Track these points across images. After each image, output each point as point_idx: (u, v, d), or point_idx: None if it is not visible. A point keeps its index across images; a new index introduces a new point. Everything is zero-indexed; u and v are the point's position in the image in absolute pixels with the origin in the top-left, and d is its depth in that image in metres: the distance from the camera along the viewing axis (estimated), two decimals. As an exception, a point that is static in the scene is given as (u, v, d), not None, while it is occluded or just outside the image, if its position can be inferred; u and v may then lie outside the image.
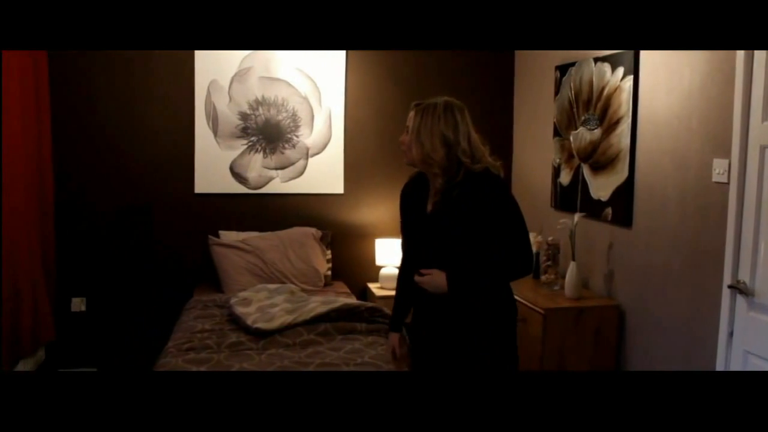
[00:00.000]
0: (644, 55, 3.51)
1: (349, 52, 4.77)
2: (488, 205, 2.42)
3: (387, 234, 4.90)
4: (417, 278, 2.47)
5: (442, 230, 2.47)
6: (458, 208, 2.42)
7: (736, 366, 2.90)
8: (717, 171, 2.98)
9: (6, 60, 3.54)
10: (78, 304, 4.52)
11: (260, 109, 4.68)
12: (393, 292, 4.64)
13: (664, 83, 3.35)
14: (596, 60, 3.89)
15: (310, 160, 4.79)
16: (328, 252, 4.74)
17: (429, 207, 2.55)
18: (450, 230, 2.45)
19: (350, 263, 4.95)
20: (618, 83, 3.67)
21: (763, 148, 2.75)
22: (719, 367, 2.97)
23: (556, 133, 4.37)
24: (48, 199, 4.20)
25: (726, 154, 2.93)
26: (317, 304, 3.78)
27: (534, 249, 4.18)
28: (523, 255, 2.44)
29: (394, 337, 2.81)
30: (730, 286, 2.90)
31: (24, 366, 3.82)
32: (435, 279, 2.42)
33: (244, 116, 4.66)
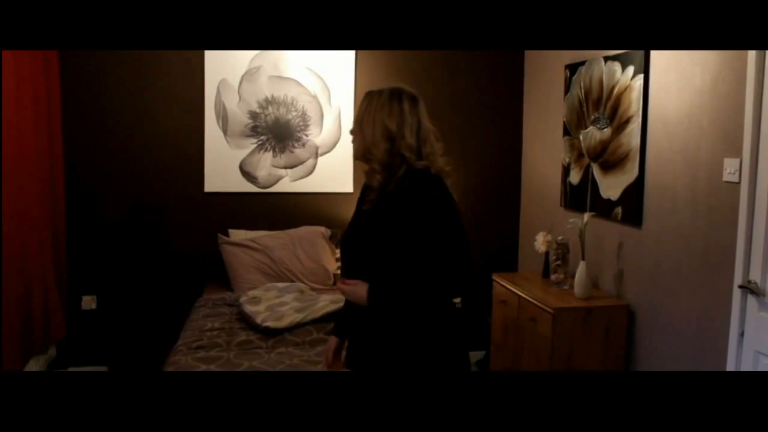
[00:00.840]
0: (655, 54, 3.50)
1: (359, 51, 4.77)
2: (416, 210, 2.10)
3: (396, 233, 4.89)
4: (339, 286, 2.22)
5: (371, 234, 2.19)
6: (388, 210, 2.15)
7: (746, 366, 2.89)
8: (728, 170, 2.96)
9: (18, 60, 3.56)
10: (89, 302, 4.54)
11: (270, 108, 4.69)
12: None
13: (675, 82, 3.34)
14: (606, 59, 3.88)
15: (320, 159, 4.79)
16: (338, 251, 4.74)
17: (364, 207, 2.27)
18: (376, 235, 2.16)
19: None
20: (628, 82, 3.66)
21: (774, 148, 2.74)
22: (730, 367, 2.96)
23: (566, 132, 4.36)
24: (59, 198, 4.23)
25: (737, 153, 2.91)
26: (326, 303, 3.79)
27: (543, 248, 4.19)
28: (452, 272, 2.11)
29: (332, 341, 2.53)
30: (740, 286, 2.88)
31: (35, 363, 3.84)
32: (356, 290, 2.15)
33: (253, 115, 4.67)
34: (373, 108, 2.21)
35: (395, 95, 2.21)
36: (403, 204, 2.11)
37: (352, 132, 2.30)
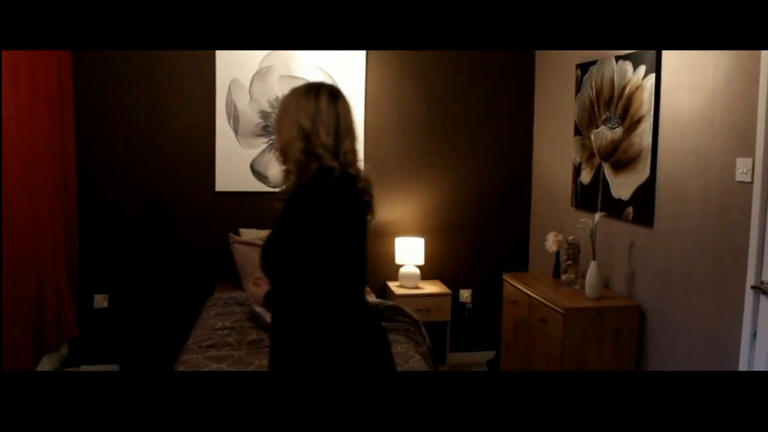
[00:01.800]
0: (666, 53, 3.48)
1: (370, 51, 4.78)
2: (304, 212, 2.01)
3: (407, 233, 4.90)
4: (247, 284, 2.19)
5: (271, 236, 2.14)
6: (286, 212, 2.08)
7: (759, 368, 2.87)
8: (740, 170, 2.95)
9: (32, 60, 3.59)
10: (100, 301, 4.57)
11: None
12: (413, 291, 4.68)
13: (687, 82, 3.32)
14: (618, 58, 3.86)
15: (330, 158, 4.79)
16: (348, 250, 4.74)
17: (276, 206, 2.17)
18: (274, 237, 2.12)
19: (370, 261, 4.91)
20: (640, 82, 3.64)
21: (787, 148, 2.72)
22: (742, 369, 2.94)
23: (577, 131, 4.35)
24: (71, 197, 4.25)
25: (749, 153, 2.90)
26: (337, 303, 3.79)
27: (554, 248, 4.18)
28: (313, 285, 1.98)
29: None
30: (753, 287, 2.87)
31: (48, 361, 3.87)
32: (257, 291, 2.11)
33: (264, 115, 4.68)
34: (290, 106, 2.12)
35: (311, 91, 2.11)
36: (297, 205, 2.03)
37: (275, 131, 2.21)
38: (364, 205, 2.10)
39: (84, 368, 4.53)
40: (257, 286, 2.13)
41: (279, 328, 2.13)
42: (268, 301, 2.09)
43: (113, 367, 4.57)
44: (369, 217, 2.13)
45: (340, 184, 2.04)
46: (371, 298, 4.15)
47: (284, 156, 2.10)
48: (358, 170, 2.11)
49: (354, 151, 2.12)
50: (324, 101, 2.09)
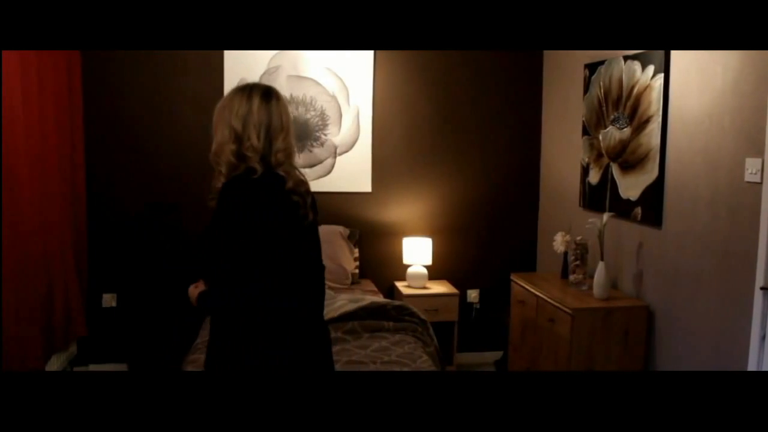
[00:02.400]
0: (675, 53, 3.47)
1: (378, 51, 4.78)
2: (219, 213, 2.03)
3: (415, 233, 4.90)
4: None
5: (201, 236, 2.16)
6: (214, 213, 2.07)
7: (768, 369, 2.86)
8: (750, 170, 2.94)
9: (42, 60, 3.60)
10: (109, 300, 4.58)
11: (288, 107, 4.70)
12: (421, 291, 4.68)
13: (696, 81, 3.31)
14: (626, 58, 3.85)
15: (338, 158, 4.80)
16: (356, 250, 4.75)
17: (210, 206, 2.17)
18: (202, 239, 2.16)
19: (378, 262, 4.96)
20: (648, 82, 3.63)
21: (797, 148, 2.71)
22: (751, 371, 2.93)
23: (585, 131, 4.34)
24: (80, 198, 4.27)
25: (759, 153, 2.88)
26: (345, 302, 3.79)
27: (562, 249, 4.17)
28: (226, 286, 2.02)
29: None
30: (762, 288, 2.85)
31: (57, 360, 3.89)
32: (192, 291, 2.14)
33: (272, 115, 4.69)
34: (224, 109, 2.12)
35: (244, 92, 2.10)
36: (217, 206, 2.04)
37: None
38: (289, 206, 2.08)
39: (92, 367, 4.54)
40: (193, 286, 2.15)
41: (211, 327, 2.15)
42: (199, 302, 2.10)
43: (121, 366, 4.59)
44: (307, 217, 2.12)
45: (255, 184, 2.03)
46: (377, 297, 4.14)
47: (217, 158, 2.11)
48: (290, 169, 2.11)
49: (286, 150, 2.10)
50: (256, 102, 2.08)
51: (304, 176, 2.17)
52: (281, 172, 2.08)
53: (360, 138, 4.81)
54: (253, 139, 2.04)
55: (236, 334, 2.04)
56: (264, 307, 2.03)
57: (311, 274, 2.17)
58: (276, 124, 2.09)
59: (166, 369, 4.33)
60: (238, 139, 2.05)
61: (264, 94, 2.10)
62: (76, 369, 4.39)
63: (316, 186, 4.71)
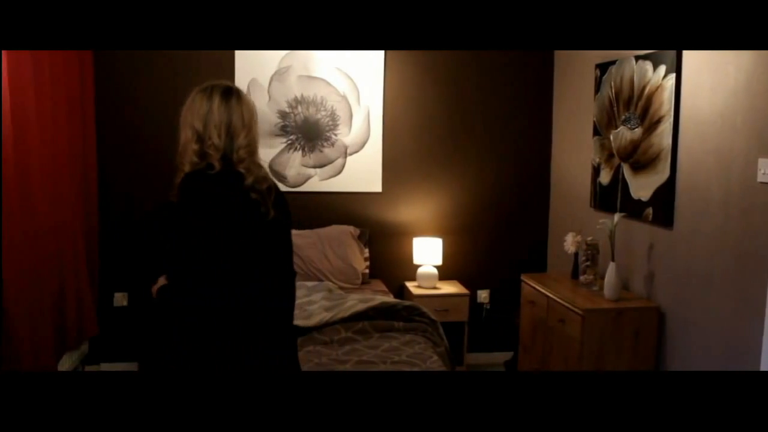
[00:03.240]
0: (687, 53, 3.45)
1: (388, 51, 4.78)
2: (170, 209, 2.12)
3: (425, 233, 4.90)
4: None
5: None
6: None
7: (780, 370, 2.85)
8: (762, 171, 2.92)
9: (54, 60, 3.63)
10: (120, 299, 4.61)
11: (299, 107, 4.71)
12: (431, 291, 4.68)
13: (708, 81, 3.30)
14: (637, 58, 3.84)
15: (349, 158, 4.81)
16: (366, 250, 4.75)
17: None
18: None
19: (388, 261, 4.96)
20: (660, 81, 3.62)
21: (810, 148, 2.69)
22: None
23: (596, 132, 4.32)
24: (92, 197, 4.29)
25: (771, 154, 2.87)
26: (355, 302, 3.80)
27: (573, 249, 4.16)
28: (171, 281, 2.12)
29: None
30: (774, 289, 2.84)
31: (69, 359, 3.91)
32: (155, 286, 2.26)
33: (283, 115, 4.71)
34: (186, 109, 2.15)
35: (205, 92, 2.14)
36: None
37: None
38: (247, 203, 2.08)
39: (104, 366, 4.57)
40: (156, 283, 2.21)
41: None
42: (158, 296, 2.17)
43: (132, 366, 4.61)
44: (267, 215, 2.10)
45: (209, 179, 2.08)
46: (387, 297, 4.14)
47: (181, 158, 2.14)
48: (252, 166, 2.11)
49: (248, 147, 2.11)
50: (216, 102, 2.10)
51: (267, 174, 2.16)
52: (241, 169, 2.09)
53: (370, 138, 4.81)
54: (214, 137, 2.07)
55: (186, 331, 2.07)
56: (215, 305, 2.05)
57: (275, 272, 2.14)
58: (237, 122, 2.10)
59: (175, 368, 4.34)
60: (200, 138, 2.09)
61: (224, 92, 2.13)
62: (87, 368, 4.42)
63: (326, 186, 4.78)
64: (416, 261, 4.81)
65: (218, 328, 2.05)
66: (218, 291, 2.05)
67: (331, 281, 4.42)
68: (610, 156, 4.13)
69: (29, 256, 3.26)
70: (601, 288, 3.80)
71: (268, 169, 2.20)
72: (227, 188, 2.09)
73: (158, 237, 2.12)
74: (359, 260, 4.64)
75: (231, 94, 2.13)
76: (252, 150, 2.13)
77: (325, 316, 3.65)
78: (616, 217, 3.82)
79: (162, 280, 2.20)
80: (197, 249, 2.04)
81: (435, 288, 4.72)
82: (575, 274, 4.19)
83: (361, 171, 4.83)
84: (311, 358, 3.28)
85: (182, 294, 2.08)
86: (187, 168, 2.11)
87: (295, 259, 4.40)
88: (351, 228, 4.72)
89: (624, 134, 3.97)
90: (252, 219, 2.08)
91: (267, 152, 4.70)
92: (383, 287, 4.63)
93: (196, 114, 2.11)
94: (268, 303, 2.11)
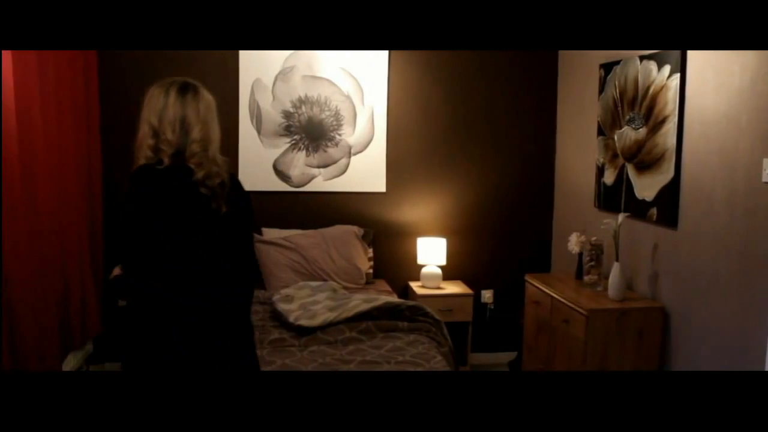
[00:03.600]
0: (692, 52, 3.45)
1: (392, 51, 4.78)
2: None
3: (429, 233, 4.90)
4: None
5: None
6: None
7: (785, 371, 2.84)
8: (767, 171, 2.91)
9: (59, 60, 3.64)
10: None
11: (303, 107, 4.72)
12: (435, 291, 4.68)
13: (713, 81, 3.29)
14: (642, 58, 3.84)
15: (353, 158, 4.81)
16: (370, 250, 4.76)
17: None
18: None
19: (392, 262, 4.97)
20: (664, 81, 3.61)
21: (815, 148, 2.69)
22: None
23: (600, 132, 4.32)
24: (97, 197, 4.30)
25: (776, 154, 2.87)
26: (359, 302, 3.80)
27: (577, 249, 4.16)
28: (125, 271, 2.21)
29: None
30: (779, 289, 2.84)
31: (73, 358, 3.91)
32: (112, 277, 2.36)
33: (287, 115, 4.71)
34: (145, 104, 2.20)
35: (162, 88, 2.19)
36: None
37: None
38: (196, 197, 2.13)
39: (108, 365, 4.57)
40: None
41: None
42: (113, 285, 2.32)
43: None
44: (219, 209, 2.15)
45: (156, 174, 2.13)
46: (391, 297, 4.14)
47: (137, 153, 2.18)
48: (204, 161, 2.15)
49: (202, 142, 2.15)
50: (172, 97, 2.16)
51: (222, 169, 2.20)
52: (192, 164, 2.13)
53: (374, 138, 4.81)
54: (168, 133, 2.13)
55: (141, 323, 2.15)
56: (164, 297, 2.11)
57: (228, 267, 2.18)
58: (191, 117, 2.16)
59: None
60: (156, 134, 2.14)
61: (180, 88, 2.18)
62: (92, 367, 4.42)
63: (330, 186, 4.79)
64: (420, 261, 4.81)
65: (169, 320, 2.12)
66: (167, 285, 2.11)
67: (335, 281, 4.43)
68: (615, 156, 4.13)
69: (34, 256, 3.27)
70: (606, 288, 3.80)
71: (224, 164, 2.24)
72: (176, 183, 2.13)
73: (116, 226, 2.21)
74: (363, 260, 4.64)
75: (187, 90, 2.19)
76: (206, 145, 2.16)
77: (329, 316, 3.65)
78: (621, 217, 3.81)
79: (117, 270, 2.24)
80: (146, 242, 2.10)
81: (439, 288, 4.72)
82: (579, 275, 4.18)
83: (365, 171, 4.84)
84: (315, 358, 3.28)
85: (133, 285, 2.14)
86: (142, 162, 2.16)
87: (299, 259, 4.45)
88: (355, 228, 4.72)
89: (628, 134, 3.96)
90: (200, 214, 2.13)
91: (271, 152, 4.70)
92: (387, 287, 4.63)
93: (153, 109, 2.16)
94: (220, 297, 2.16)
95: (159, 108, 2.15)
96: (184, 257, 2.11)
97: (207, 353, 2.14)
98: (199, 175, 2.12)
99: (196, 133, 2.15)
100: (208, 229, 2.13)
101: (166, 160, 2.13)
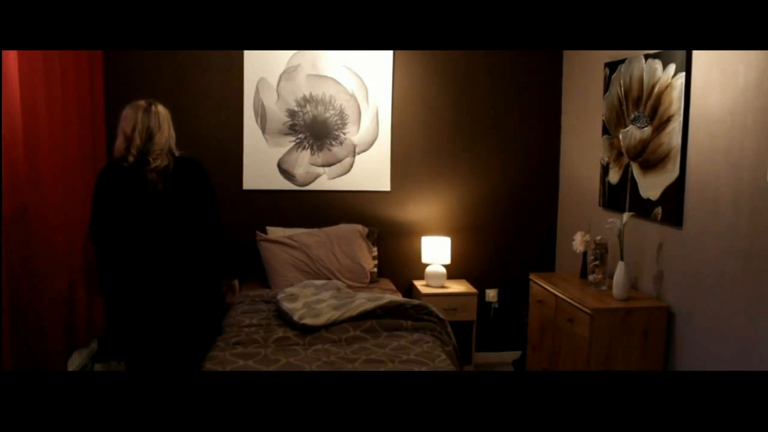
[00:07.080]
0: (697, 51, 3.44)
1: (397, 50, 4.78)
2: None
3: (433, 232, 4.90)
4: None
5: None
6: None
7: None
8: (772, 170, 2.91)
9: (64, 60, 3.64)
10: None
11: (308, 106, 4.72)
12: (439, 290, 4.68)
13: (718, 80, 3.28)
14: (647, 57, 3.83)
15: (357, 157, 4.81)
16: (375, 249, 4.76)
17: None
18: None
19: (396, 260, 4.97)
20: (669, 80, 3.60)
21: (821, 148, 2.68)
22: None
23: (605, 131, 4.31)
24: (102, 195, 4.30)
25: (782, 153, 2.86)
26: (363, 301, 3.80)
27: (581, 248, 4.16)
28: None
29: None
30: (784, 289, 2.83)
31: (78, 356, 3.93)
32: None
33: (291, 113, 4.71)
34: (121, 119, 3.22)
35: (133, 107, 3.20)
36: None
37: None
38: (145, 180, 3.12)
39: (113, 364, 4.58)
40: None
41: None
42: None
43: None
44: (157, 186, 3.14)
45: (117, 167, 3.14)
46: (395, 296, 4.15)
47: (114, 156, 3.19)
48: (159, 155, 3.13)
49: (158, 143, 3.14)
50: (140, 113, 3.14)
51: (170, 158, 3.19)
52: (150, 159, 3.10)
53: (379, 137, 4.82)
54: (136, 140, 3.11)
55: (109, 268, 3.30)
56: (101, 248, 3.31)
57: (174, 232, 3.23)
58: (154, 126, 3.14)
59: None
60: (128, 140, 3.11)
61: (145, 107, 3.16)
62: (97, 365, 4.43)
63: (335, 185, 4.79)
64: (425, 260, 4.81)
65: (128, 266, 3.22)
66: (124, 243, 3.18)
67: (339, 280, 4.43)
68: (619, 155, 4.12)
69: (39, 254, 3.28)
70: (610, 287, 3.80)
71: (174, 152, 3.24)
72: (133, 173, 3.10)
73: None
74: (368, 259, 4.64)
75: (151, 107, 3.18)
76: (162, 145, 3.15)
77: (334, 314, 3.65)
78: (625, 216, 3.81)
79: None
80: (107, 213, 3.15)
81: (443, 287, 4.72)
82: (584, 274, 4.18)
83: (370, 170, 4.84)
84: (319, 357, 3.29)
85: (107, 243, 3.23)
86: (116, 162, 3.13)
87: (304, 258, 4.46)
88: (359, 227, 4.72)
89: (633, 133, 3.96)
90: (144, 192, 3.11)
91: (276, 151, 4.71)
92: (391, 286, 4.63)
93: (128, 123, 3.13)
94: (161, 249, 3.19)
95: (132, 122, 3.12)
96: (134, 222, 3.14)
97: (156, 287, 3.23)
98: (152, 165, 3.10)
99: (157, 137, 3.13)
100: (149, 201, 3.13)
101: (131, 159, 3.08)
